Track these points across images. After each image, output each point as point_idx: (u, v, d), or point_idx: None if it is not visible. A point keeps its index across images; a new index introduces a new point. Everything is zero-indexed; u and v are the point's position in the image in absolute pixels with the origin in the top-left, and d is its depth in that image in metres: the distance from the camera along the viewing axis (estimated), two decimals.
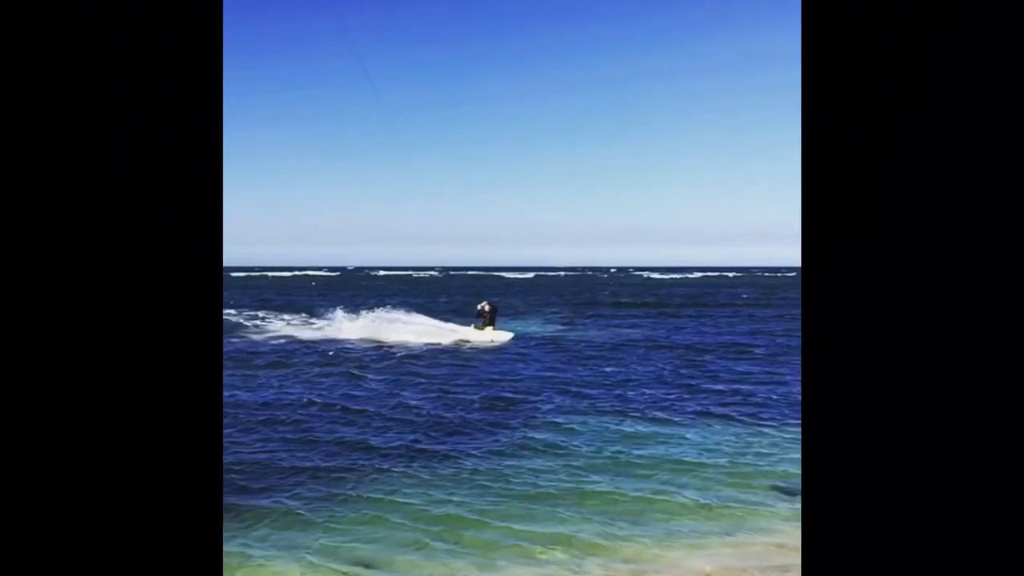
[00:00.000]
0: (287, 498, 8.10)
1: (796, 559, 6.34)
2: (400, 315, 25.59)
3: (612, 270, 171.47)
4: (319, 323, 27.08)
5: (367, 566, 6.46)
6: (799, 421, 11.32)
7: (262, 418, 12.07)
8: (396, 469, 9.22)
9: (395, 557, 6.60)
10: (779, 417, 12.15)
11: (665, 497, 8.15)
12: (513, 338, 23.53)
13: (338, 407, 13.04)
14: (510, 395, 14.10)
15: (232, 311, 33.18)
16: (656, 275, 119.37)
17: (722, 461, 9.55)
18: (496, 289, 62.27)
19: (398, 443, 10.53)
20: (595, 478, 8.83)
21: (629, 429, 11.35)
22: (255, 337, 24.42)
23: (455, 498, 8.10)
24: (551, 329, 28.44)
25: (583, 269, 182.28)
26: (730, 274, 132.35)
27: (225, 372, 12.71)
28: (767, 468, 9.25)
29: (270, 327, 27.53)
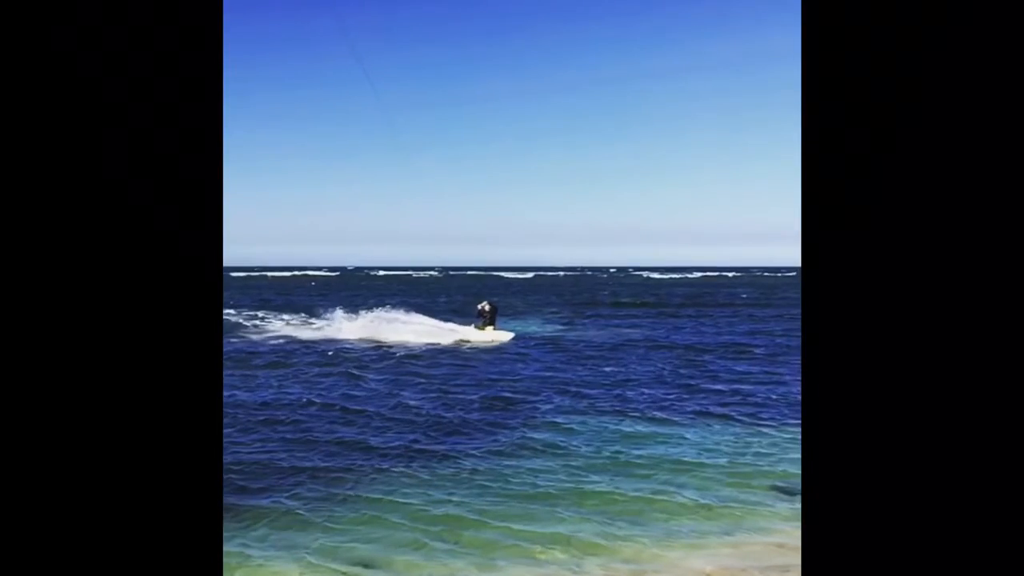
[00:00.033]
0: (286, 498, 8.10)
1: (796, 559, 6.34)
2: (399, 315, 25.59)
3: (612, 270, 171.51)
4: (318, 323, 27.08)
5: (366, 566, 6.46)
6: (799, 421, 11.33)
7: (261, 418, 12.07)
8: (395, 469, 9.22)
9: (394, 557, 6.60)
10: (778, 417, 12.15)
11: (664, 497, 8.15)
12: (513, 338, 23.53)
13: (337, 407, 13.04)
14: (509, 395, 14.10)
15: (232, 311, 33.17)
16: (656, 275, 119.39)
17: (721, 461, 9.55)
18: (496, 289, 62.26)
19: (397, 443, 10.53)
20: (594, 478, 8.83)
21: (628, 429, 11.35)
22: (254, 337, 24.42)
23: (454, 498, 8.10)
24: (550, 329, 28.45)
25: (583, 269, 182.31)
26: (730, 274, 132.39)
27: (224, 372, 12.68)
28: (766, 468, 9.25)
29: (269, 327, 27.53)
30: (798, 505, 7.65)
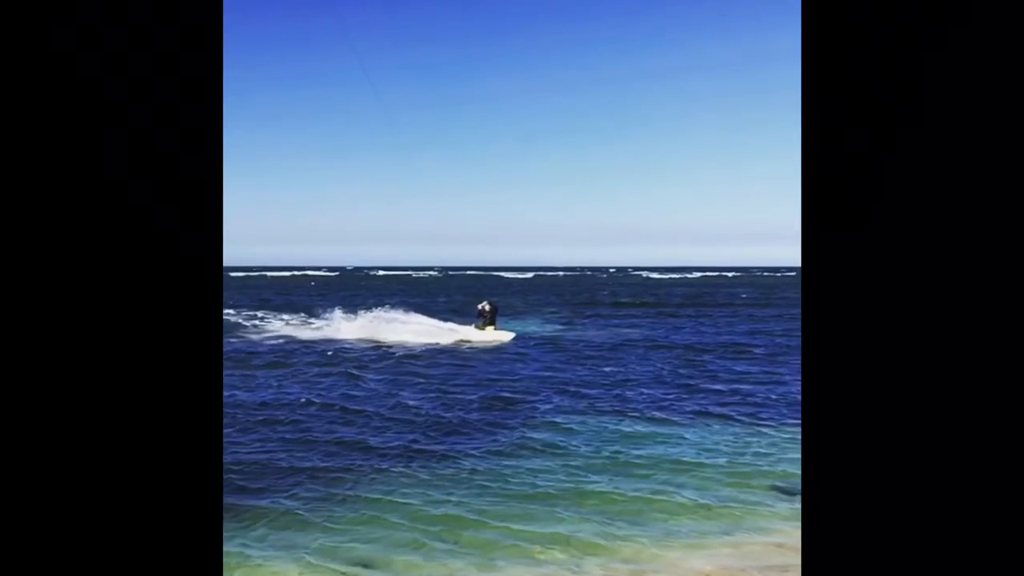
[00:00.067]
0: (285, 498, 8.10)
1: (795, 559, 6.34)
2: (399, 315, 25.60)
3: (611, 270, 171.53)
4: (318, 323, 27.07)
5: (365, 566, 6.46)
6: (798, 421, 11.34)
7: (260, 418, 12.07)
8: (395, 469, 9.22)
9: (393, 557, 6.60)
10: (778, 417, 12.16)
11: (664, 497, 8.15)
12: (514, 338, 23.54)
13: (337, 407, 13.04)
14: (509, 395, 14.10)
15: (231, 311, 33.16)
16: (655, 275, 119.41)
17: (721, 461, 9.55)
18: (495, 289, 62.26)
19: (397, 443, 10.53)
20: (594, 478, 8.83)
21: (628, 429, 11.35)
22: (254, 337, 24.41)
23: (454, 498, 8.10)
24: (550, 329, 28.45)
25: (582, 269, 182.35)
26: (729, 274, 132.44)
27: (224, 372, 12.62)
28: (766, 468, 9.25)
29: (269, 327, 27.53)
30: (797, 505, 7.65)
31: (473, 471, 9.13)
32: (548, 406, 13.05)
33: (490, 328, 23.83)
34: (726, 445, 10.38)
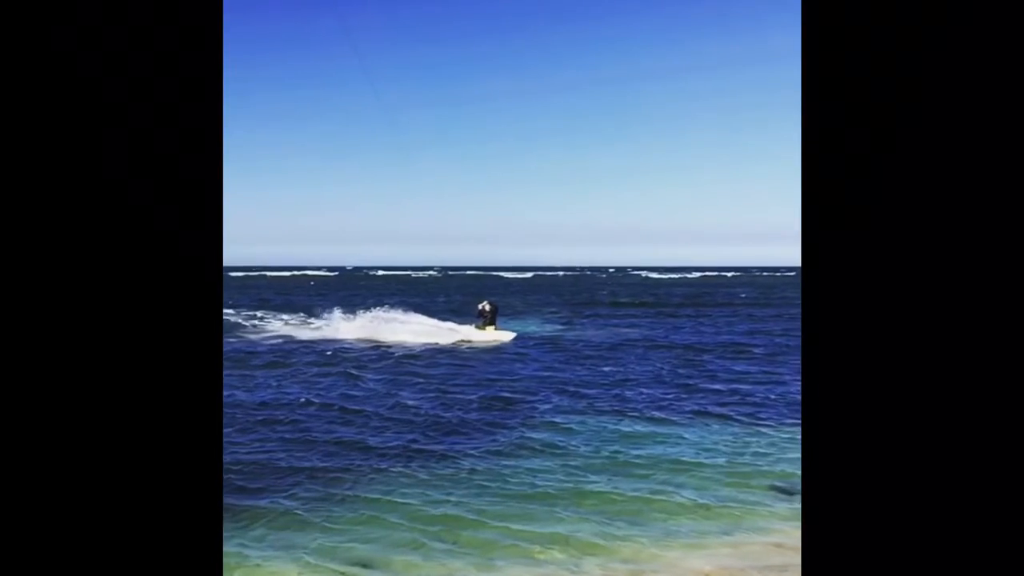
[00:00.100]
0: (284, 498, 8.10)
1: (794, 558, 6.34)
2: (398, 315, 25.60)
3: (611, 270, 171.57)
4: (317, 323, 27.07)
5: (365, 566, 6.46)
6: (797, 421, 11.34)
7: (260, 418, 12.07)
8: (394, 469, 9.22)
9: (393, 557, 6.60)
10: (777, 417, 12.16)
11: (663, 497, 8.16)
12: (515, 338, 23.54)
13: (336, 407, 13.04)
14: (508, 395, 14.10)
15: (230, 311, 33.15)
16: (654, 275, 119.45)
17: (720, 461, 9.56)
18: (495, 289, 62.26)
19: (396, 443, 10.53)
20: (593, 478, 8.83)
21: (627, 429, 11.35)
22: (253, 337, 24.41)
23: (453, 498, 8.10)
24: (549, 329, 28.46)
25: (582, 269, 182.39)
26: (728, 274, 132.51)
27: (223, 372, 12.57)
28: (765, 468, 9.26)
29: (268, 327, 27.53)
30: (797, 505, 7.66)
31: (472, 471, 9.13)
32: (547, 406, 13.06)
33: (491, 328, 23.84)
34: (725, 445, 10.39)
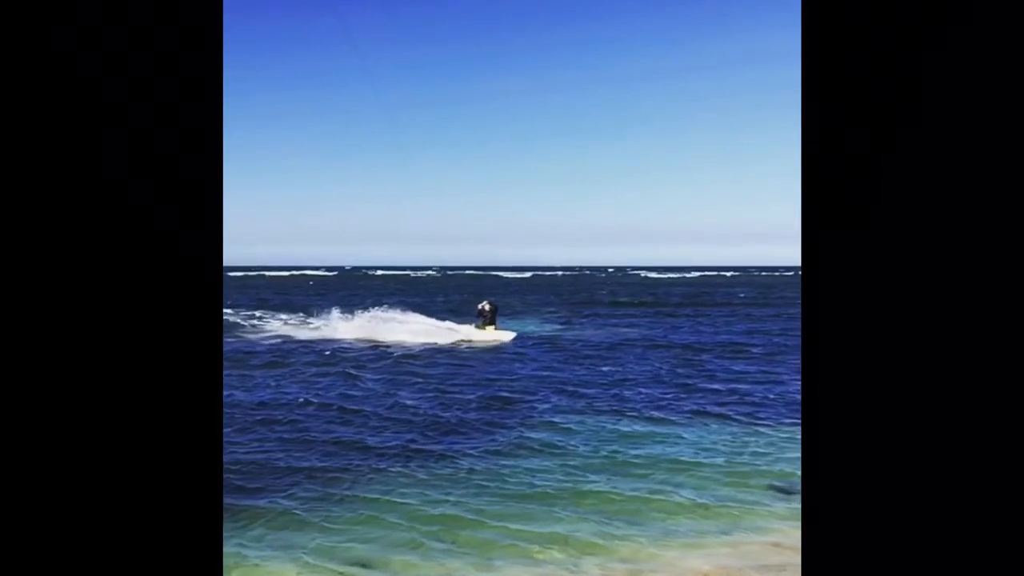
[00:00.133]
0: (283, 498, 8.10)
1: (793, 558, 6.35)
2: (396, 314, 25.60)
3: (610, 270, 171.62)
4: (316, 323, 27.05)
5: (363, 566, 6.45)
6: (796, 420, 11.35)
7: (259, 418, 12.06)
8: (393, 469, 9.22)
9: (391, 557, 6.60)
10: (776, 416, 12.17)
11: (662, 496, 8.16)
12: (515, 338, 23.54)
13: (335, 407, 13.04)
14: (507, 395, 14.10)
15: (229, 311, 33.12)
16: (653, 274, 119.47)
17: (719, 460, 9.56)
18: (494, 289, 62.25)
19: (395, 443, 10.52)
20: (592, 477, 8.84)
21: (626, 428, 11.36)
22: (252, 337, 24.40)
23: (452, 498, 8.10)
24: (548, 329, 28.46)
25: (581, 269, 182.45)
26: (727, 273, 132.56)
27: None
28: (764, 467, 9.26)
29: (267, 327, 27.52)
30: (795, 504, 7.66)
31: (471, 471, 9.13)
32: (546, 406, 13.06)
33: (490, 328, 23.84)
34: (724, 444, 10.39)
